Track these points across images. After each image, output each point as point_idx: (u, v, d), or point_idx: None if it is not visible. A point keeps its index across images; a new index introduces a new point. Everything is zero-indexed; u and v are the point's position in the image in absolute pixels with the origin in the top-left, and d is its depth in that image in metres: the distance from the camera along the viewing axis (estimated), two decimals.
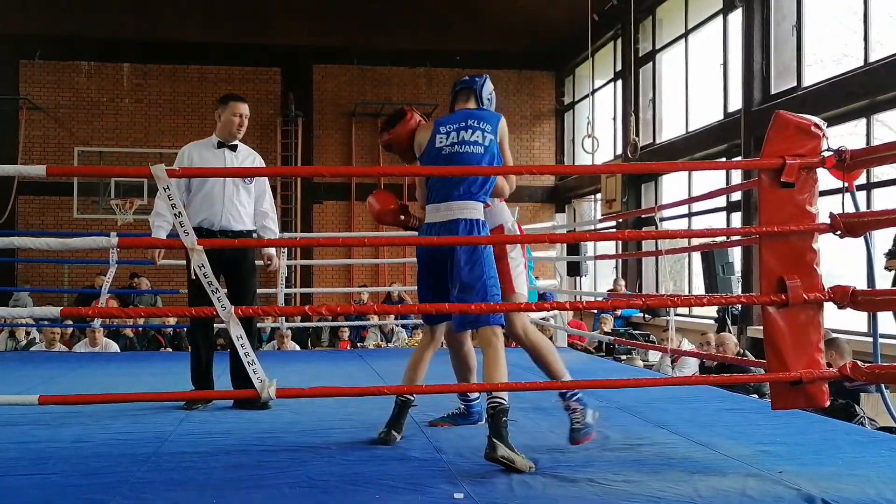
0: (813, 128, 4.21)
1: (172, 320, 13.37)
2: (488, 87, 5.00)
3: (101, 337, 11.08)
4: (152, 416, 5.45)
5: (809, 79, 11.95)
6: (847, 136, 11.29)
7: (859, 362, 4.20)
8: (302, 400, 5.75)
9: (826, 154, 4.17)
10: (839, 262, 9.58)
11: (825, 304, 4.22)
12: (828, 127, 4.29)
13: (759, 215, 4.30)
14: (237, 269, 6.12)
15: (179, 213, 3.94)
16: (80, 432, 4.99)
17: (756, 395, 7.55)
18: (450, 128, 4.77)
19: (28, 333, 12.52)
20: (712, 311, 13.29)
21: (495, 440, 4.16)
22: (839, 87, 11.02)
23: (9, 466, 4.20)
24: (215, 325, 6.44)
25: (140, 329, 13.24)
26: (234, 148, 6.23)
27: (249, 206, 6.22)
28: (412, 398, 4.91)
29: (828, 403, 4.32)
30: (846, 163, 4.15)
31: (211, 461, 4.29)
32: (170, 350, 13.10)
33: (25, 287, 17.85)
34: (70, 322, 12.27)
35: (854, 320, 9.78)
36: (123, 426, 5.20)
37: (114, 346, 11.40)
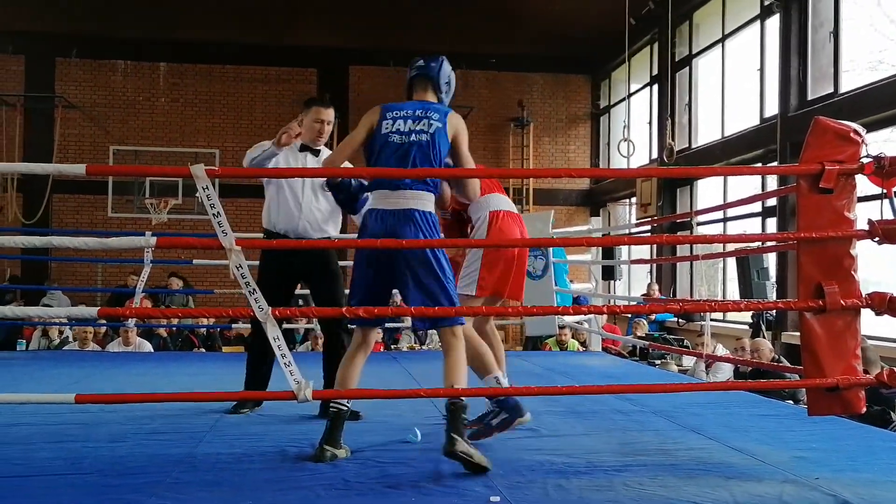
0: (852, 134, 4.19)
1: (206, 321, 13.44)
2: (446, 71, 4.85)
3: (135, 336, 11.13)
4: (187, 417, 5.47)
5: (846, 85, 11.86)
6: (883, 142, 11.20)
7: None
8: None
9: (865, 160, 4.15)
10: (878, 268, 9.52)
11: (863, 310, 4.20)
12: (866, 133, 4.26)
13: (798, 221, 4.28)
14: (320, 276, 5.98)
15: (218, 213, 3.94)
16: (115, 432, 5.02)
17: (791, 401, 7.51)
18: (396, 114, 4.66)
19: (61, 332, 12.61)
20: (747, 316, 13.22)
21: (454, 435, 4.12)
22: (876, 93, 10.93)
23: (44, 466, 4.23)
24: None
25: (174, 329, 13.30)
26: (316, 153, 5.99)
27: (328, 213, 5.99)
28: (344, 407, 4.59)
29: (864, 410, 4.29)
30: (885, 169, 4.12)
31: (246, 462, 4.31)
32: (203, 350, 13.15)
33: (56, 286, 17.93)
34: (104, 322, 12.35)
35: (886, 327, 9.71)
36: (158, 426, 5.22)
37: (147, 346, 11.45)
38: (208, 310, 5.25)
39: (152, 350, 11.50)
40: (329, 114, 5.94)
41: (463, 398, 4.27)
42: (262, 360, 5.90)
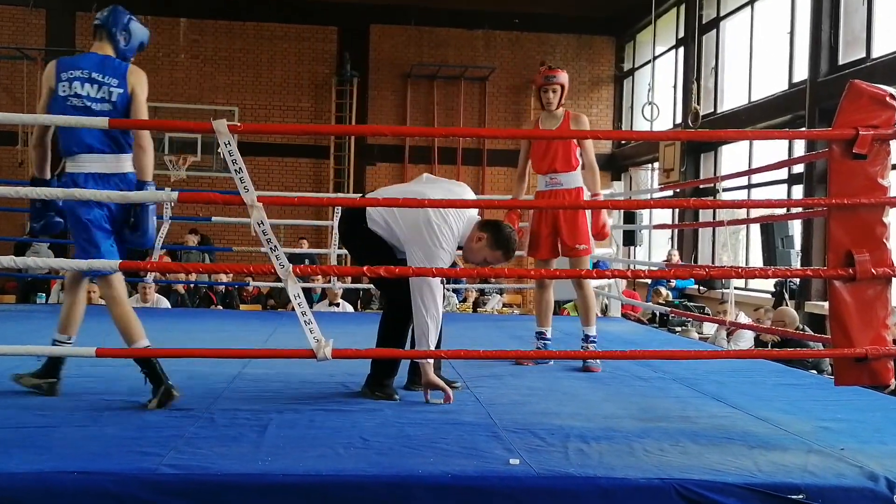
0: (888, 98, 4.10)
1: (224, 277, 13.45)
2: (119, 20, 4.83)
3: (153, 293, 11.13)
4: (204, 373, 5.45)
5: (879, 49, 11.66)
6: None
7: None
8: (355, 361, 5.73)
9: None
10: None
11: (894, 279, 4.13)
12: None
13: (829, 187, 4.20)
14: None
15: (240, 168, 3.89)
16: (133, 386, 4.99)
17: (814, 371, 7.45)
18: (73, 74, 4.65)
19: None
20: (769, 284, 13.13)
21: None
22: None
23: (64, 418, 4.23)
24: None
25: (191, 286, 13.30)
26: None
27: None
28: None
29: (893, 381, 4.23)
30: None
31: (264, 419, 4.28)
32: (220, 308, 13.16)
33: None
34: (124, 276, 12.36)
35: None
36: (176, 381, 5.18)
37: (164, 303, 11.46)
38: (229, 265, 5.16)
39: (170, 307, 11.51)
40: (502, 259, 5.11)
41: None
42: (401, 333, 5.19)
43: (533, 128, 6.66)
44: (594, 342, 6.47)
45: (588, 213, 6.47)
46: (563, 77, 6.53)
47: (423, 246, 4.82)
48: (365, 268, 4.27)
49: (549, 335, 6.62)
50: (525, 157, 6.60)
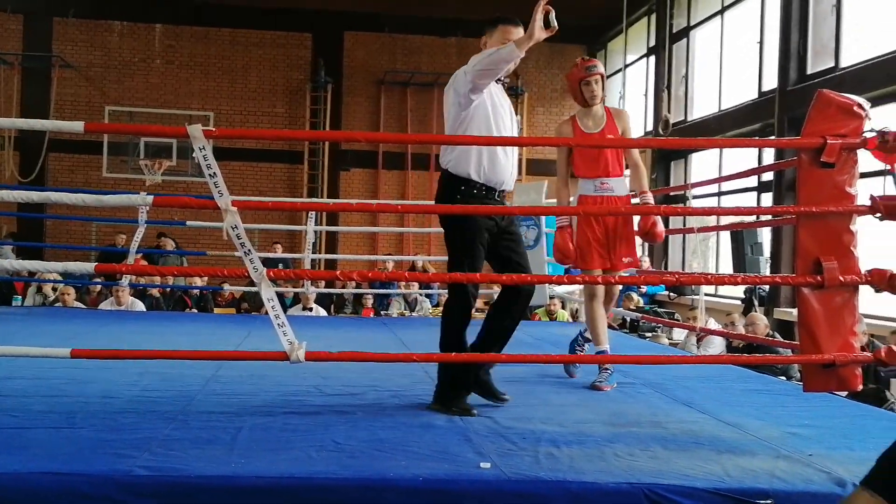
0: (856, 108, 4.15)
1: (199, 281, 13.42)
2: None
3: (127, 296, 11.10)
4: (179, 376, 5.45)
5: (847, 59, 11.77)
6: (886, 117, 11.10)
7: (894, 346, 4.16)
8: (328, 364, 5.75)
9: (868, 135, 4.11)
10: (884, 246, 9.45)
11: (861, 287, 4.18)
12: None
13: (798, 195, 4.25)
14: (511, 237, 5.13)
15: (214, 173, 3.90)
16: (107, 388, 5.02)
17: (783, 378, 7.50)
18: None
19: (55, 289, 12.58)
20: (739, 291, 13.22)
21: None
22: (879, 68, 10.85)
23: (38, 419, 4.22)
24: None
25: (167, 289, 13.27)
26: (505, 84, 5.27)
27: None
28: None
29: (860, 387, 4.28)
30: (889, 144, 4.08)
31: (237, 421, 4.28)
32: (195, 311, 13.13)
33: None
34: (99, 279, 12.33)
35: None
36: (150, 384, 5.21)
37: (139, 306, 11.42)
38: (203, 269, 5.15)
39: (144, 310, 11.48)
40: (521, 32, 5.05)
41: None
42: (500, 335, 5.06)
43: (571, 130, 6.01)
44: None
45: (636, 217, 6.11)
46: (601, 66, 5.96)
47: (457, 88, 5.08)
48: (338, 272, 4.29)
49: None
50: (566, 163, 6.15)
